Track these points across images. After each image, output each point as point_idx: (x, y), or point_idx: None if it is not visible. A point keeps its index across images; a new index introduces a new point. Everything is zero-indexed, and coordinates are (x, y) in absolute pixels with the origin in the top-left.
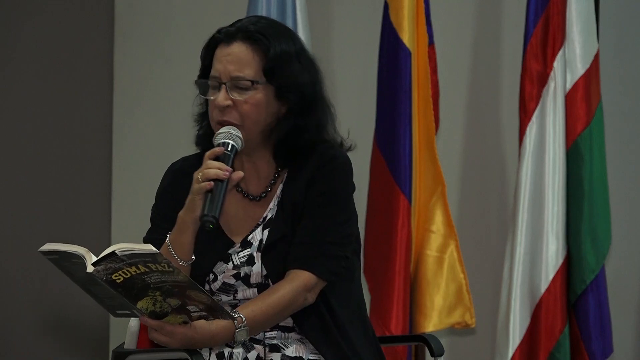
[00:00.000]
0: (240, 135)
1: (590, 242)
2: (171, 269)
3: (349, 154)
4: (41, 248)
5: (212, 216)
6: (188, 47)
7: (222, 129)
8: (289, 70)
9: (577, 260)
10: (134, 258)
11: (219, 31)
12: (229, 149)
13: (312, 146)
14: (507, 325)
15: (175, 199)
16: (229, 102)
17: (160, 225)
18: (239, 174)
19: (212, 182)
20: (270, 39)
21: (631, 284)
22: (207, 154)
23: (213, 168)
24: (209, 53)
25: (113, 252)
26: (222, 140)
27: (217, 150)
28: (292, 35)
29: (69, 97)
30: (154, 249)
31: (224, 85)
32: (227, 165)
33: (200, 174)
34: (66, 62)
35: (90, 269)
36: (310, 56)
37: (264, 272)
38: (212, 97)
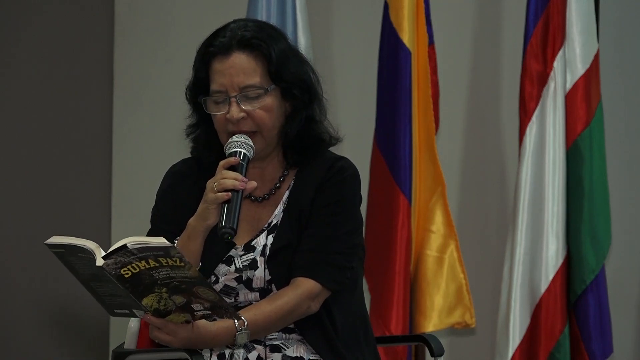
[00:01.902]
0: (252, 144)
1: (590, 242)
2: (183, 264)
3: (348, 156)
4: (48, 241)
5: (230, 227)
6: (188, 47)
7: (234, 138)
8: (291, 67)
9: (577, 260)
10: (145, 252)
11: (210, 44)
12: (243, 158)
13: (321, 139)
14: (507, 325)
15: (175, 201)
16: (243, 114)
17: (160, 227)
18: (253, 183)
19: (229, 193)
20: (267, 41)
21: (631, 284)
22: (222, 163)
23: (230, 178)
24: (203, 66)
25: (124, 246)
26: (235, 150)
27: (232, 160)
28: (279, 32)
29: (69, 97)
30: (167, 242)
31: (233, 99)
32: (242, 174)
33: (215, 183)
34: (66, 62)
35: (100, 262)
36: (296, 46)
37: (268, 277)
38: (220, 112)
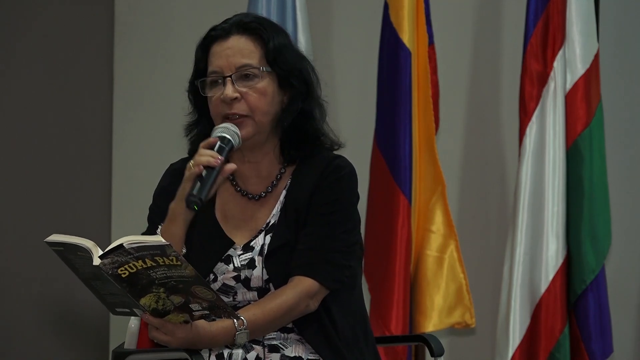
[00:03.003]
0: (239, 133)
1: (590, 242)
2: (179, 263)
3: (348, 156)
4: (48, 239)
5: (197, 197)
6: (188, 47)
7: (221, 125)
8: (289, 57)
9: (577, 260)
10: (142, 251)
11: (213, 29)
12: (225, 142)
13: (318, 137)
14: (507, 325)
15: (172, 199)
16: (236, 95)
17: (158, 224)
18: (232, 165)
19: (202, 167)
20: (267, 29)
21: (631, 284)
22: (202, 143)
23: (205, 155)
24: (203, 53)
25: (121, 245)
26: (219, 134)
27: (211, 140)
28: (281, 29)
29: (69, 97)
30: (164, 240)
31: (228, 79)
32: (221, 155)
33: (192, 161)
34: (66, 62)
35: (97, 261)
36: (297, 46)
37: (265, 277)
38: (215, 95)
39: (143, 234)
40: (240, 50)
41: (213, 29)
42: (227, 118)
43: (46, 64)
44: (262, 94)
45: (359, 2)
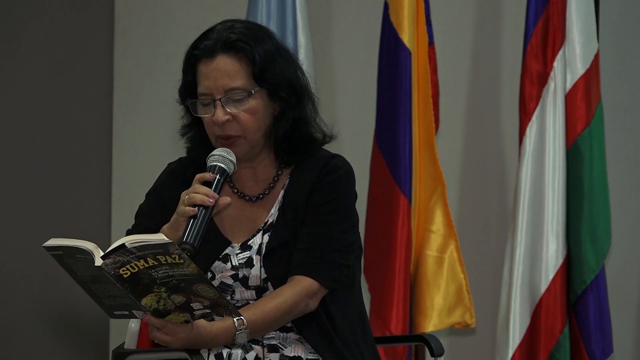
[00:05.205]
0: (234, 160)
1: (590, 242)
2: (182, 260)
3: (348, 156)
4: (46, 243)
5: (190, 245)
6: (188, 47)
7: (215, 151)
8: (276, 68)
9: (577, 260)
10: (144, 250)
11: (196, 47)
12: (222, 174)
13: (312, 138)
14: (507, 325)
15: (162, 199)
16: (227, 117)
17: (143, 223)
18: (226, 199)
19: (195, 209)
20: (251, 43)
21: (631, 284)
22: (197, 177)
23: (200, 193)
24: (190, 69)
25: (122, 245)
26: (214, 164)
27: (206, 176)
28: (267, 32)
29: (69, 97)
30: (167, 238)
31: (218, 102)
32: (216, 190)
33: (187, 195)
34: (66, 62)
35: (99, 262)
36: (285, 46)
37: (264, 276)
38: (206, 115)
39: (128, 230)
40: (227, 72)
41: (196, 47)
42: (220, 138)
43: (46, 63)
44: (252, 114)
45: (359, 2)
